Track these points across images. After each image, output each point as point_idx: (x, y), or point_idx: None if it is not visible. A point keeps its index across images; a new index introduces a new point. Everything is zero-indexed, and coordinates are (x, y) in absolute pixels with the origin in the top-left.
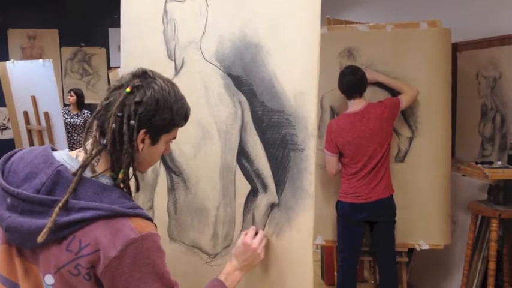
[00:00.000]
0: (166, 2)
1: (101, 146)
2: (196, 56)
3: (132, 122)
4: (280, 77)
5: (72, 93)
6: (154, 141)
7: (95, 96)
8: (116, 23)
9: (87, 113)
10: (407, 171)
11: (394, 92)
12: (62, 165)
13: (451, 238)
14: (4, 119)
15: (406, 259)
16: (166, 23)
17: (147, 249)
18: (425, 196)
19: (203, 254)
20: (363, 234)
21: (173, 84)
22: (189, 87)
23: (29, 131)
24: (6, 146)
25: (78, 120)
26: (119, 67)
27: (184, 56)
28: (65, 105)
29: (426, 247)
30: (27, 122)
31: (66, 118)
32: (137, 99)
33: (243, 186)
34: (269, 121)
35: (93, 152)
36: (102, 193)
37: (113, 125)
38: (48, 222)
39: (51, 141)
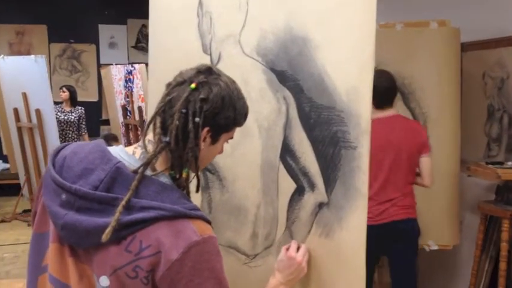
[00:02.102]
0: None
1: (163, 143)
2: (235, 50)
3: (197, 119)
4: (330, 71)
5: (64, 90)
6: (214, 140)
7: (84, 94)
8: (106, 20)
9: (81, 109)
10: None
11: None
12: (120, 161)
13: (459, 238)
14: None
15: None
16: (201, 16)
17: (207, 253)
18: (434, 196)
19: (241, 254)
20: (374, 264)
21: (234, 82)
22: None
23: (19, 129)
24: None
25: (73, 117)
26: (111, 64)
27: (221, 50)
28: (55, 103)
29: (435, 248)
30: (18, 119)
31: (60, 116)
32: (202, 95)
33: (286, 185)
34: (318, 118)
35: (157, 149)
36: (163, 193)
37: (177, 122)
38: (108, 220)
39: (43, 139)
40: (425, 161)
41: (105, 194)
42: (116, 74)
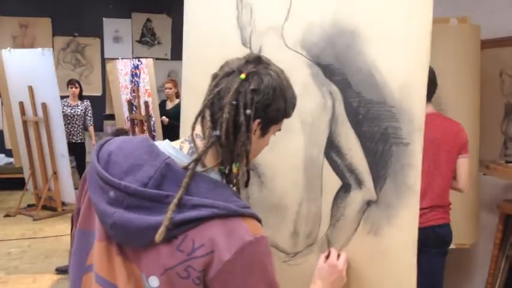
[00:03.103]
0: None
1: (214, 137)
2: (277, 43)
3: (248, 111)
4: (381, 66)
5: (76, 85)
6: (264, 132)
7: (88, 88)
8: (111, 13)
9: (87, 101)
10: None
11: None
12: (169, 157)
13: (477, 237)
14: None
15: None
16: (241, 8)
17: (260, 254)
18: (452, 195)
19: (280, 252)
20: None
21: (283, 72)
22: None
23: (24, 122)
24: None
25: (79, 111)
26: (115, 58)
27: (262, 43)
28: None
29: (453, 246)
30: (23, 113)
31: (66, 110)
32: (253, 86)
33: (331, 182)
34: (366, 113)
35: (208, 144)
36: (215, 190)
37: (227, 114)
38: (159, 219)
39: (49, 133)
40: (463, 162)
41: (156, 192)
42: (121, 69)
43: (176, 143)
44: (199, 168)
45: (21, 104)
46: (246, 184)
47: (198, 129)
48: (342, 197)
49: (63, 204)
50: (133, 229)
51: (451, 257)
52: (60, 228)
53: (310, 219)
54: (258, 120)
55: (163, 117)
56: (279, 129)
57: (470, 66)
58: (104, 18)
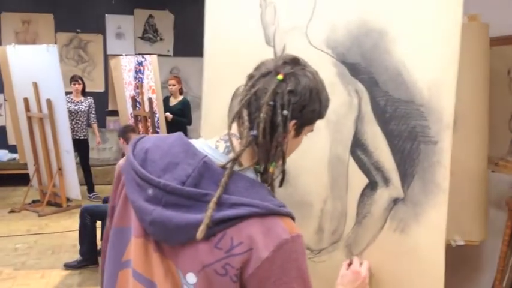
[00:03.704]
0: None
1: (251, 137)
2: (301, 42)
3: (286, 112)
4: (409, 65)
5: (79, 81)
6: (298, 133)
7: (91, 84)
8: (113, 10)
9: (90, 98)
10: None
11: None
12: (206, 156)
13: (486, 233)
14: None
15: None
16: (264, 7)
17: (295, 252)
18: (461, 191)
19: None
20: None
21: (318, 73)
22: None
23: (29, 119)
24: None
25: (83, 107)
26: (117, 55)
27: (286, 41)
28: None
29: (462, 243)
30: (28, 109)
31: (70, 106)
32: (290, 87)
33: (357, 180)
34: (394, 112)
35: (245, 143)
36: (252, 189)
37: (265, 114)
38: (199, 217)
39: (54, 129)
40: None
41: (195, 190)
42: (125, 65)
43: (211, 142)
44: (236, 167)
45: (25, 100)
46: (281, 183)
47: (234, 128)
48: (368, 194)
49: (68, 200)
50: (172, 227)
51: (459, 254)
52: (65, 224)
53: (335, 216)
54: (294, 121)
55: (167, 113)
56: (311, 130)
57: (479, 64)
58: (106, 15)
